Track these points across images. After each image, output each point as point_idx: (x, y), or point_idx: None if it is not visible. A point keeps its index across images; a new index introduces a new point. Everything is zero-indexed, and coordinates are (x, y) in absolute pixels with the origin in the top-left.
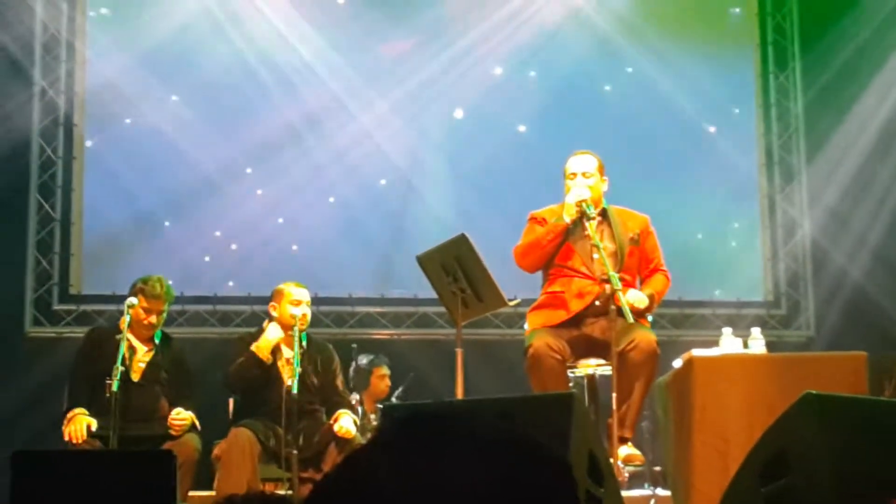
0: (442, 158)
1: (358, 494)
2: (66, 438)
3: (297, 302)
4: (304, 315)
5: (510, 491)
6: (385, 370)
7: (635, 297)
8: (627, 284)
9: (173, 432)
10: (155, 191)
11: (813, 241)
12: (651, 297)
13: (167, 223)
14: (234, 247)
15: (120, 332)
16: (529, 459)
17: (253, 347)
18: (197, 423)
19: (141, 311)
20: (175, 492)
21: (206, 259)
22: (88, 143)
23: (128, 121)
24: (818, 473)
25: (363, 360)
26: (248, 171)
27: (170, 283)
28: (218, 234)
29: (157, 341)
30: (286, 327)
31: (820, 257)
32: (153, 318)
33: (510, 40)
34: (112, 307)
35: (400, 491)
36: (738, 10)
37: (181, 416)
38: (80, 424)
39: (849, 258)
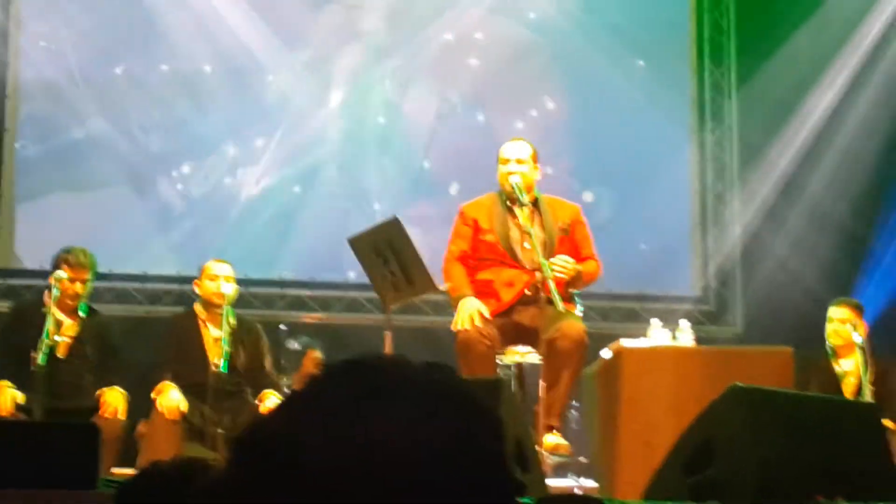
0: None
1: (284, 448)
2: None
3: (215, 276)
4: (219, 289)
5: (443, 440)
6: (317, 353)
7: (565, 258)
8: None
9: (106, 415)
10: (85, 165)
11: (744, 238)
12: (579, 271)
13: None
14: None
15: (44, 306)
16: (463, 408)
17: (158, 406)
18: (123, 394)
19: (66, 282)
20: (99, 465)
21: (139, 239)
22: (22, 115)
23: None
24: (742, 464)
25: (294, 343)
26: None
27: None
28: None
29: (81, 314)
30: (209, 305)
31: (750, 254)
32: (78, 287)
33: None
34: (40, 282)
35: (329, 443)
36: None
37: (111, 399)
38: (5, 396)
39: (779, 256)
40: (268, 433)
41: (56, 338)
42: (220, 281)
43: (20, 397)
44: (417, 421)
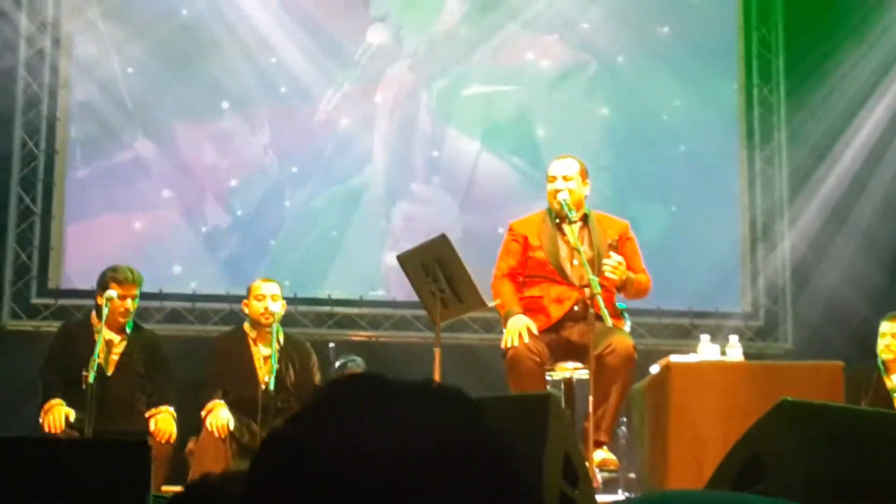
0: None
1: (289, 453)
2: (46, 429)
3: (262, 296)
4: (266, 309)
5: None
6: (358, 369)
7: (615, 257)
8: (606, 292)
9: (159, 438)
10: (133, 186)
11: (793, 253)
12: (630, 277)
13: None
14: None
15: (93, 326)
16: (463, 413)
17: (208, 425)
18: (173, 415)
19: (116, 300)
20: (149, 482)
21: (188, 259)
22: (73, 135)
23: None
24: (792, 479)
25: (340, 361)
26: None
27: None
28: (199, 231)
29: (128, 331)
30: (257, 323)
31: (800, 270)
32: (128, 304)
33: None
34: (89, 302)
35: (336, 450)
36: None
37: (162, 424)
38: (58, 414)
39: (829, 272)
40: (277, 441)
41: (105, 357)
42: (268, 300)
43: (73, 415)
44: (421, 423)
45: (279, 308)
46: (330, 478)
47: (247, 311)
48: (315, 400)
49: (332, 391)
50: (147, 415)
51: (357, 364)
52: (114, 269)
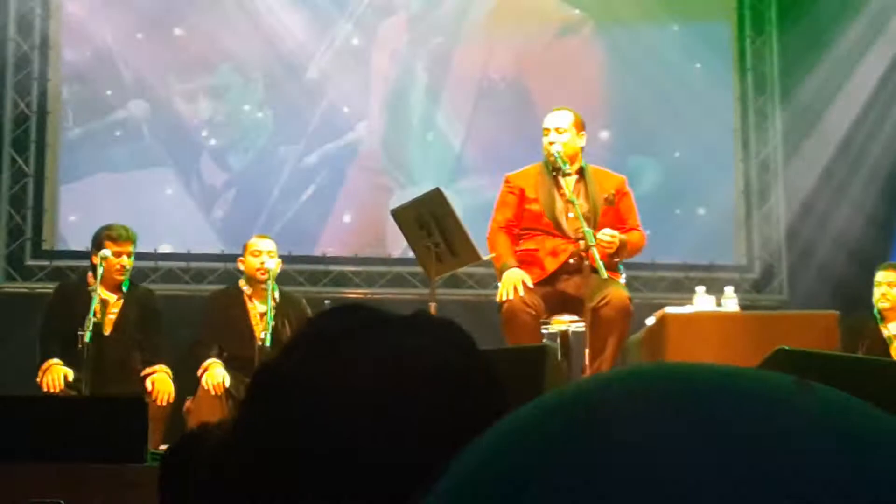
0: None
1: (289, 387)
2: (44, 389)
3: (257, 252)
4: (262, 265)
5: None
6: None
7: (609, 231)
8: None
9: (158, 400)
10: (127, 145)
11: (787, 205)
12: (623, 241)
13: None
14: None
15: (88, 286)
16: (448, 336)
17: (204, 384)
18: (170, 374)
19: (112, 258)
20: (146, 438)
21: (183, 218)
22: (65, 96)
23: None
24: None
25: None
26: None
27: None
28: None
29: (124, 290)
30: (253, 280)
31: (795, 223)
32: (124, 261)
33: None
34: (85, 263)
35: (328, 380)
36: None
37: (159, 383)
38: (56, 374)
39: (824, 225)
40: (267, 373)
41: (101, 317)
42: (264, 256)
43: (70, 375)
44: (413, 352)
45: (274, 265)
46: (322, 408)
47: (242, 267)
48: (307, 330)
49: (325, 321)
50: (143, 374)
51: None
52: (108, 228)
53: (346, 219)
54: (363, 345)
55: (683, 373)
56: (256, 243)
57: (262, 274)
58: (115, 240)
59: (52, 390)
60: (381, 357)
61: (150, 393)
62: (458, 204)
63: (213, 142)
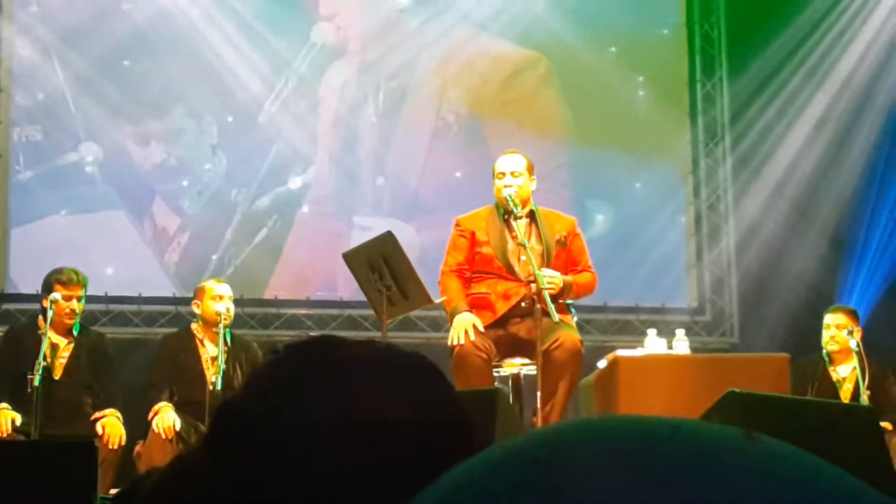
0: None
1: (238, 424)
2: None
3: (219, 297)
4: (227, 310)
5: (395, 404)
6: None
7: (550, 273)
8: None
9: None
10: (78, 188)
11: (737, 248)
12: (568, 282)
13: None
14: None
15: (39, 329)
16: (408, 372)
17: (155, 427)
18: (120, 418)
19: (62, 301)
20: (96, 484)
21: (134, 261)
22: (14, 139)
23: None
24: None
25: None
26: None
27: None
28: (145, 233)
29: (75, 334)
30: (209, 324)
31: (745, 265)
32: (73, 304)
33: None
34: (34, 306)
35: (279, 416)
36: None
37: (110, 427)
38: (3, 418)
39: (774, 267)
40: (225, 412)
41: (51, 360)
42: (227, 300)
43: (18, 419)
44: (368, 389)
45: (232, 310)
46: (282, 450)
47: (198, 311)
48: (270, 367)
49: (289, 358)
50: (93, 417)
51: None
52: (58, 272)
53: (297, 262)
54: (327, 385)
55: (634, 427)
56: (217, 288)
57: (226, 319)
58: (65, 284)
59: None
60: (339, 410)
61: (101, 436)
62: (416, 243)
63: (166, 184)
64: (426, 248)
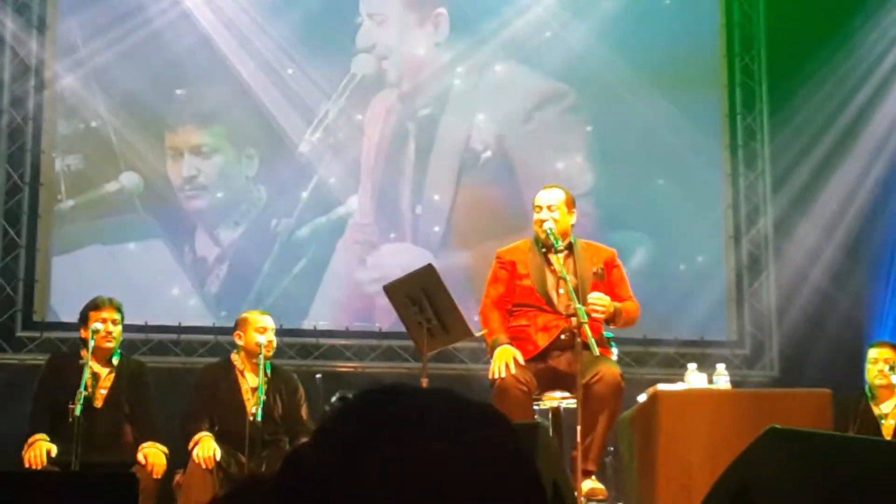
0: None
1: (311, 487)
2: (26, 465)
3: (262, 329)
4: (269, 342)
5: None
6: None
7: (598, 295)
8: (593, 321)
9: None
10: (119, 218)
11: (777, 281)
12: (618, 308)
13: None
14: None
15: (80, 358)
16: (476, 423)
17: (195, 457)
18: (165, 451)
19: (100, 330)
20: None
21: (174, 291)
22: (57, 168)
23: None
24: None
25: (336, 396)
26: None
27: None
28: (185, 263)
29: (115, 363)
30: (251, 355)
31: (786, 299)
32: (110, 328)
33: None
34: (74, 334)
35: (349, 491)
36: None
37: (153, 457)
38: (39, 450)
39: (815, 300)
40: (295, 463)
41: (93, 390)
42: (270, 332)
43: (54, 450)
44: (438, 446)
45: (275, 341)
46: None
47: (240, 342)
48: (339, 418)
49: (358, 408)
50: (139, 448)
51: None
52: (93, 301)
53: (336, 292)
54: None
55: None
56: (261, 320)
57: (267, 350)
58: (98, 308)
59: (33, 466)
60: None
61: (143, 465)
62: (455, 273)
63: (205, 214)
64: (463, 279)
